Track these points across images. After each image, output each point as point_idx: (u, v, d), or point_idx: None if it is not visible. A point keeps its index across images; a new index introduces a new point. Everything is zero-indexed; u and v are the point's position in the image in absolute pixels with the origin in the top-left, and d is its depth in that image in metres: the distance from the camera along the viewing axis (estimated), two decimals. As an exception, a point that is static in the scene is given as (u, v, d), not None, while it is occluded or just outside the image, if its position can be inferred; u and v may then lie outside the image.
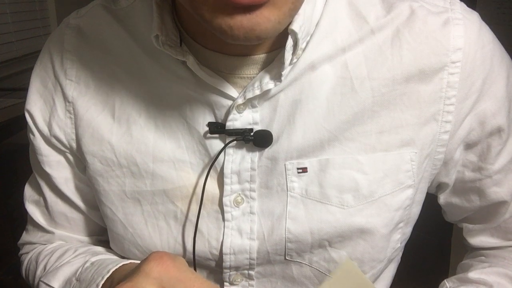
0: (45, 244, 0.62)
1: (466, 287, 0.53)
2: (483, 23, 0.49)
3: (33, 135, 0.56)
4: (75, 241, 0.62)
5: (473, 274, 0.54)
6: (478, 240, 0.58)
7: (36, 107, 0.54)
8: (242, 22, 0.36)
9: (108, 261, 0.51)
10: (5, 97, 1.90)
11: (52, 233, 0.61)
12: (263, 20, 0.36)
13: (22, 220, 0.63)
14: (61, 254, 0.58)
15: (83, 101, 0.52)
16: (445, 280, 0.56)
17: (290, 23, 0.43)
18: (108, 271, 0.48)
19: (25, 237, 0.64)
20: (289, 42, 0.43)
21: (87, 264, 0.53)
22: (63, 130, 0.54)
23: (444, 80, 0.47)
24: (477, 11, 0.50)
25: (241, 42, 0.37)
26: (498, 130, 0.50)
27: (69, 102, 0.53)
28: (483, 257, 0.58)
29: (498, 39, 0.51)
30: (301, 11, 0.43)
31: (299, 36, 0.43)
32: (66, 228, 0.61)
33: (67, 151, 0.55)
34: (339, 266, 0.34)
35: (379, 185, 0.49)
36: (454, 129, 0.49)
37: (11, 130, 1.67)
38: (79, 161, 0.56)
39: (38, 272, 0.58)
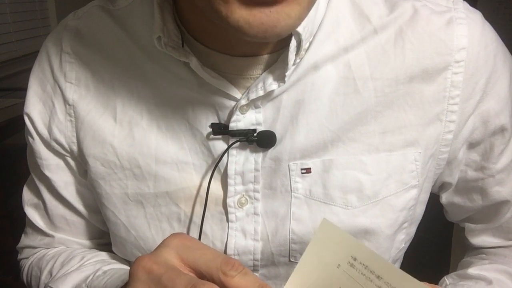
0: (45, 248, 0.62)
1: (465, 282, 0.53)
2: (486, 23, 0.49)
3: (33, 138, 0.55)
4: (75, 244, 0.61)
5: (472, 270, 0.54)
6: (480, 239, 0.58)
7: (35, 110, 0.54)
8: (261, 19, 0.35)
9: (121, 271, 0.51)
10: (5, 97, 1.89)
11: (52, 236, 0.60)
12: (283, 17, 0.35)
13: (22, 221, 0.63)
14: (66, 260, 0.57)
15: (84, 104, 0.52)
16: (445, 277, 0.56)
17: None
18: (123, 281, 0.48)
19: (25, 240, 0.63)
20: (293, 43, 0.43)
21: (99, 273, 0.52)
22: (64, 134, 0.53)
23: (448, 79, 0.47)
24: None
25: (259, 40, 0.36)
26: (501, 130, 0.50)
27: (69, 105, 0.52)
28: (483, 255, 0.58)
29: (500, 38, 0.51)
30: None
31: (303, 37, 0.43)
32: (66, 231, 0.60)
33: (67, 154, 0.55)
34: (318, 228, 0.33)
35: (383, 186, 0.48)
36: (458, 128, 0.49)
37: (11, 130, 1.66)
38: (79, 164, 0.55)
39: (43, 278, 0.58)
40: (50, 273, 0.57)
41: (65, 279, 0.53)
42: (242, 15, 0.35)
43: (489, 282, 0.52)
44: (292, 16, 0.36)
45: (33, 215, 0.60)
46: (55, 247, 0.61)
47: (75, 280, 0.53)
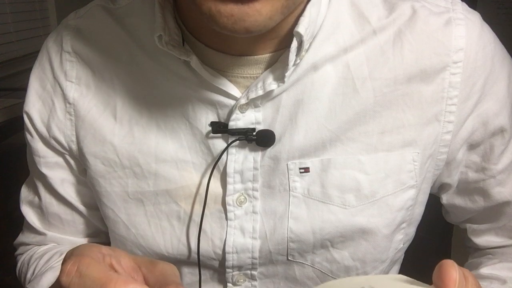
0: (37, 246, 0.62)
1: (480, 283, 0.53)
2: (485, 24, 0.49)
3: (31, 136, 0.55)
4: (68, 242, 0.62)
5: (484, 270, 0.54)
6: (484, 239, 0.58)
7: (35, 108, 0.54)
8: (232, 10, 0.36)
9: None
10: (5, 97, 1.89)
11: (44, 234, 0.61)
12: (253, 12, 0.36)
13: (22, 220, 0.63)
14: (49, 258, 0.58)
15: (84, 102, 0.52)
16: None
17: (295, 25, 0.43)
18: None
19: (20, 237, 0.64)
20: (294, 44, 0.43)
21: None
22: (63, 132, 0.53)
23: (446, 80, 0.47)
24: (477, 11, 0.50)
25: (228, 32, 0.37)
26: (501, 130, 0.51)
27: (69, 103, 0.53)
28: (490, 255, 0.58)
29: (498, 39, 0.51)
30: (306, 13, 0.43)
31: (304, 38, 0.43)
32: (59, 229, 0.61)
33: (66, 152, 0.55)
34: None
35: (380, 185, 0.49)
36: (456, 129, 0.49)
37: (11, 130, 1.66)
38: (78, 163, 0.56)
39: (28, 276, 0.58)
40: (33, 271, 0.58)
41: (39, 280, 0.53)
42: (215, 4, 0.36)
43: (503, 281, 0.52)
44: (263, 13, 0.36)
45: (28, 213, 0.61)
46: (47, 244, 0.62)
47: (49, 280, 0.53)
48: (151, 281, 0.30)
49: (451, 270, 0.27)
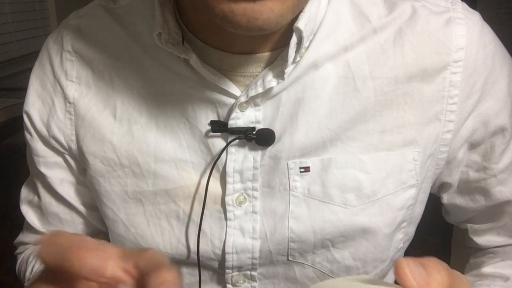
0: (37, 245, 0.62)
1: (483, 282, 0.53)
2: (485, 23, 0.49)
3: (31, 135, 0.55)
4: None
5: (487, 269, 0.54)
6: (485, 239, 0.58)
7: (34, 108, 0.54)
8: (245, 9, 0.36)
9: None
10: (5, 97, 1.90)
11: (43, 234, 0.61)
12: (266, 10, 0.36)
13: (22, 221, 0.63)
14: None
15: (84, 102, 0.52)
16: None
17: (295, 21, 0.43)
18: None
19: (20, 237, 0.64)
20: (293, 40, 0.43)
21: None
22: (62, 131, 0.53)
23: (447, 79, 0.47)
24: (477, 11, 0.50)
25: (242, 31, 0.38)
26: (502, 130, 0.51)
27: (70, 103, 0.53)
28: (491, 254, 0.58)
29: (498, 38, 0.51)
30: (306, 9, 0.43)
31: (304, 34, 0.43)
32: (58, 229, 0.60)
33: (66, 152, 0.55)
34: None
35: (381, 185, 0.49)
36: (456, 128, 0.49)
37: (11, 130, 1.67)
38: (77, 162, 0.55)
39: (27, 274, 0.59)
40: (32, 270, 0.58)
41: None
42: (228, 4, 0.36)
43: (506, 279, 0.52)
44: (275, 11, 0.37)
45: (27, 212, 0.61)
46: None
47: None
48: (141, 265, 0.30)
49: (403, 266, 0.27)
